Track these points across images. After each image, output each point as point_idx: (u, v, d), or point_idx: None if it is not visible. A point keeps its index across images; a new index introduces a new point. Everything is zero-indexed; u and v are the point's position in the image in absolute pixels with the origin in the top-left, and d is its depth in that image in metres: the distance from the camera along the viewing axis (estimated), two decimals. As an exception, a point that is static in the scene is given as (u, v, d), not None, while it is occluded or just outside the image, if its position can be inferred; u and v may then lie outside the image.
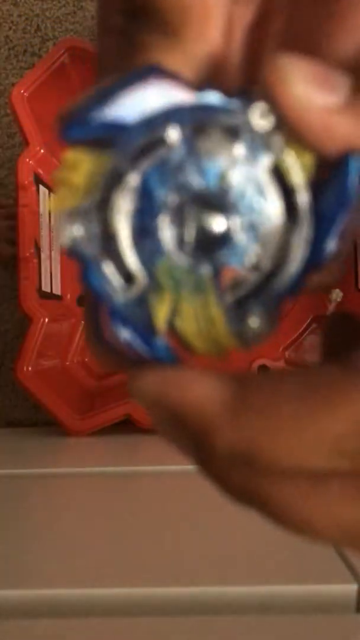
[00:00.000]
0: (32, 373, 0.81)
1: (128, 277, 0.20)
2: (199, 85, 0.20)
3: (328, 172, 0.20)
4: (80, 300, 0.89)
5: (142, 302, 0.20)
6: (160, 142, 0.20)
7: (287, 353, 0.92)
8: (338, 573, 0.44)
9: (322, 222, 0.20)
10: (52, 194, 0.19)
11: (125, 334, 0.20)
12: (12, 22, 0.98)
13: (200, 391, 0.20)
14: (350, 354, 0.21)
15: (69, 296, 0.89)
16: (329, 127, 0.19)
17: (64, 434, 0.82)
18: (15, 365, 0.82)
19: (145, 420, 0.81)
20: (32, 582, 0.43)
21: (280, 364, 0.91)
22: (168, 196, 0.20)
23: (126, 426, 0.82)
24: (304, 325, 0.92)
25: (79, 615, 0.42)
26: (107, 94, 0.19)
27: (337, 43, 0.21)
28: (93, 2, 0.94)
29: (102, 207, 0.20)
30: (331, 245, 0.20)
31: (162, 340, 0.20)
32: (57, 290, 0.88)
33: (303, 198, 0.20)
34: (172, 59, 0.21)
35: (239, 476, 0.20)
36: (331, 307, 0.88)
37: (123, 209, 0.20)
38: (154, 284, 0.20)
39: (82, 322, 0.89)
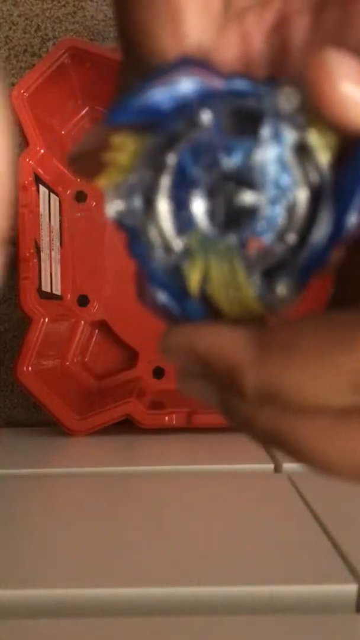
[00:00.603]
0: (32, 373, 0.81)
1: (166, 246, 0.22)
2: (228, 72, 0.22)
3: (351, 150, 0.22)
4: (81, 300, 0.89)
5: (177, 269, 0.23)
6: (194, 124, 0.22)
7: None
8: (338, 573, 0.44)
9: (343, 197, 0.22)
10: (104, 173, 0.21)
11: (162, 297, 0.23)
12: (12, 22, 0.98)
13: (226, 338, 0.22)
14: None
15: (69, 296, 0.89)
16: None
17: (64, 434, 0.82)
18: (15, 365, 0.82)
19: (146, 420, 0.81)
20: (32, 582, 0.43)
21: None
22: (200, 173, 0.22)
23: (126, 426, 0.82)
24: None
25: (79, 615, 0.42)
26: (147, 83, 0.22)
27: None
28: (93, 2, 0.94)
29: (144, 183, 0.22)
30: (352, 219, 0.22)
31: (194, 303, 0.23)
32: (57, 290, 0.88)
33: (326, 175, 0.22)
34: None
35: (263, 416, 0.22)
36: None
37: (162, 185, 0.22)
38: (187, 252, 0.22)
39: (82, 322, 0.89)
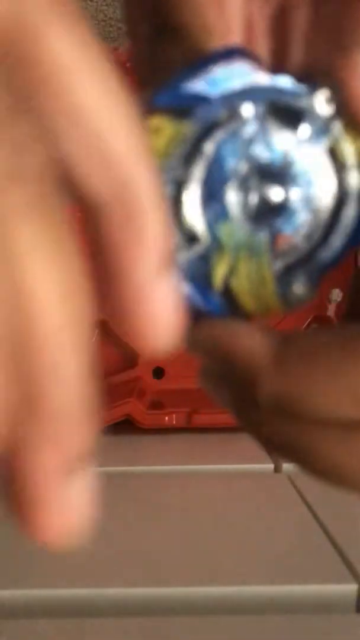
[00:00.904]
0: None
1: (193, 236, 0.22)
2: (274, 67, 0.23)
3: None
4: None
5: (204, 260, 0.23)
6: (236, 116, 0.22)
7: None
8: (338, 573, 0.44)
9: None
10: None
11: (185, 288, 0.23)
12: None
13: (249, 341, 0.21)
14: None
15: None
16: None
17: (64, 434, 0.82)
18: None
19: (146, 420, 0.81)
20: (32, 582, 0.43)
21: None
22: (237, 165, 0.22)
23: (126, 426, 0.82)
24: (304, 325, 0.92)
25: (79, 615, 0.42)
26: (193, 69, 0.22)
27: None
28: (93, 2, 0.94)
29: (178, 170, 0.22)
30: None
31: (217, 296, 0.23)
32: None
33: (354, 179, 0.22)
34: None
35: (278, 424, 0.21)
36: (331, 308, 0.88)
37: (196, 174, 0.22)
38: (217, 245, 0.22)
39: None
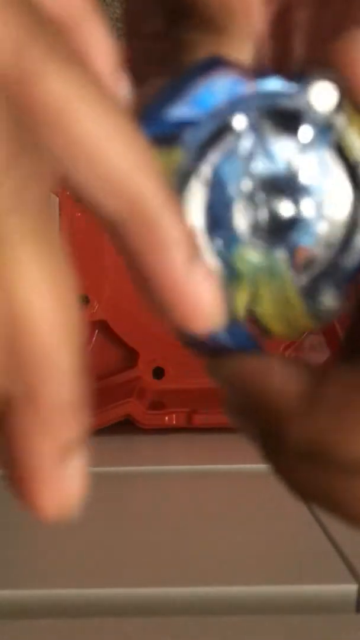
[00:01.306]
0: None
1: None
2: (259, 71, 0.21)
3: None
4: (81, 300, 0.89)
5: (222, 294, 0.20)
6: (228, 131, 0.20)
7: (287, 353, 0.92)
8: (338, 573, 0.44)
9: None
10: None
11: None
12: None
13: (279, 379, 0.20)
14: None
15: (69, 296, 0.89)
16: None
17: (64, 434, 0.82)
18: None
19: (146, 420, 0.81)
20: (32, 582, 0.43)
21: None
22: (240, 184, 0.20)
23: (126, 426, 0.82)
24: (306, 336, 0.92)
25: (79, 615, 0.42)
26: (173, 90, 0.20)
27: None
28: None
29: (178, 202, 0.20)
30: None
31: (243, 327, 0.21)
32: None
33: None
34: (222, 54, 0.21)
35: (306, 469, 0.20)
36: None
37: (197, 202, 0.20)
38: (232, 273, 0.21)
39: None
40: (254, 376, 0.20)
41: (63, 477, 0.17)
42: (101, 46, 0.18)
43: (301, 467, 0.20)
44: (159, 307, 0.18)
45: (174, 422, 0.82)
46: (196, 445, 0.77)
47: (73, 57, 0.16)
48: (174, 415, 0.82)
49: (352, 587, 0.43)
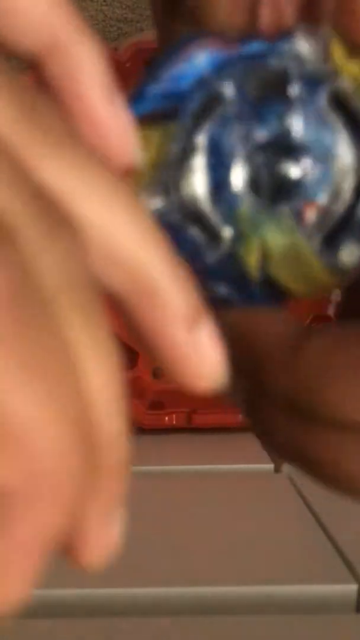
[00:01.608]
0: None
1: (214, 235, 0.20)
2: (241, 38, 0.21)
3: None
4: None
5: (232, 255, 0.21)
6: (218, 99, 0.20)
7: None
8: (338, 573, 0.44)
9: None
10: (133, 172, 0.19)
11: (222, 290, 0.21)
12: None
13: (269, 330, 0.20)
14: None
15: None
16: None
17: (64, 434, 0.82)
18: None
19: (146, 420, 0.81)
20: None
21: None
22: (236, 148, 0.20)
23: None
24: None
25: (79, 615, 0.42)
26: (159, 68, 0.20)
27: None
28: (93, 2, 0.94)
29: (178, 174, 0.20)
30: None
31: (257, 288, 0.21)
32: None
33: None
34: None
35: (285, 424, 0.20)
36: (331, 307, 0.88)
37: (197, 170, 0.20)
38: (240, 235, 0.20)
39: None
40: (249, 320, 0.20)
41: (110, 534, 0.18)
42: (92, 69, 0.18)
43: (281, 422, 0.20)
44: (159, 361, 0.19)
45: (174, 422, 0.82)
46: (196, 445, 0.77)
47: (68, 138, 0.17)
48: (174, 415, 0.82)
49: (352, 587, 0.43)
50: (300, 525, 0.52)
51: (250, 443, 0.57)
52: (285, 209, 0.20)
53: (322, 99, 0.20)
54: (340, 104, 0.20)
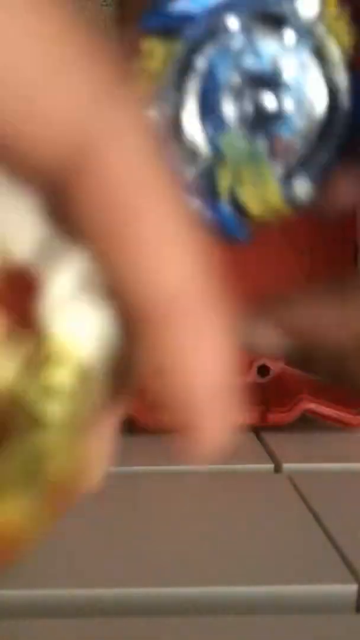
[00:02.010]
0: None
1: (196, 151, 0.23)
2: None
3: None
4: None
5: (209, 173, 0.23)
6: (222, 29, 0.23)
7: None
8: (338, 573, 0.44)
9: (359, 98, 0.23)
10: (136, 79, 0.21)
11: (195, 203, 0.23)
12: (12, 22, 0.98)
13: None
14: None
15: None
16: None
17: (64, 434, 0.82)
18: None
19: (146, 420, 0.81)
20: (32, 582, 0.43)
21: (280, 364, 0.91)
22: (230, 77, 0.23)
23: (126, 426, 0.82)
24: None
25: (79, 615, 0.42)
26: None
27: None
28: (93, 2, 0.94)
29: (175, 89, 0.23)
30: None
31: (225, 205, 0.24)
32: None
33: (342, 76, 0.23)
34: None
35: None
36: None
37: (192, 90, 0.23)
38: (219, 156, 0.23)
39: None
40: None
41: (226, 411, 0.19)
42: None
43: None
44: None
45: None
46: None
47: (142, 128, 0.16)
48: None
49: (352, 587, 0.43)
50: (300, 525, 0.52)
51: (250, 443, 0.57)
52: (261, 140, 0.24)
53: (309, 52, 0.23)
54: (322, 59, 0.23)
